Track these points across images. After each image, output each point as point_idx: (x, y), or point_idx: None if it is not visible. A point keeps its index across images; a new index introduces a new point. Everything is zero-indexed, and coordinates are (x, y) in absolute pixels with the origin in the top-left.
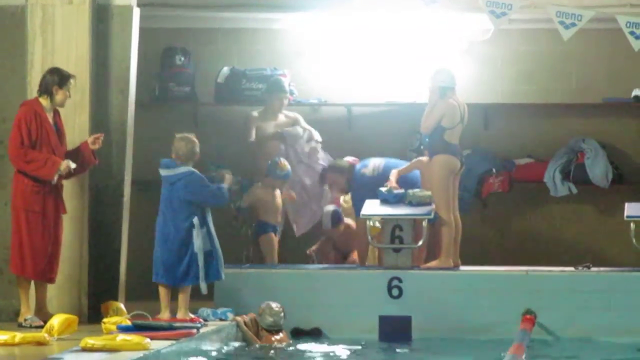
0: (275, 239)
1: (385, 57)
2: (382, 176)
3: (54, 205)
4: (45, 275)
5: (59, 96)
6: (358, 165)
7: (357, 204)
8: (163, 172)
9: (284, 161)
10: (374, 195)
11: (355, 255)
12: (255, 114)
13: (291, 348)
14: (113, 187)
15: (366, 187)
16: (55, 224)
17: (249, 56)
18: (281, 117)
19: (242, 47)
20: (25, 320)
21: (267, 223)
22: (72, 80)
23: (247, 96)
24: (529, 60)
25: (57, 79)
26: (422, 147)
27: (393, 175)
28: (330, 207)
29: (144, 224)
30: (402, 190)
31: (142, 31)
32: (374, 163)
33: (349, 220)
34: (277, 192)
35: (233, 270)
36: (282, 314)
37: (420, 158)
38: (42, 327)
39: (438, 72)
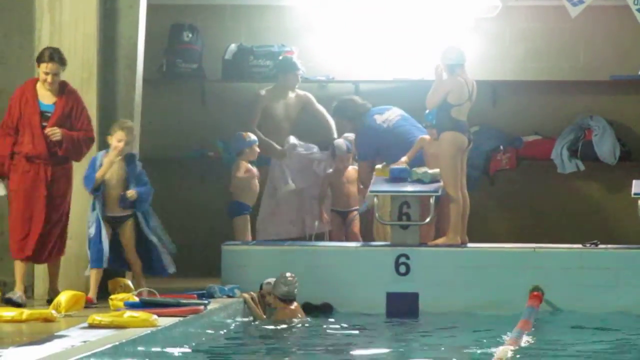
0: (248, 220)
1: (393, 33)
2: (388, 130)
3: (32, 185)
4: (24, 253)
5: (40, 73)
6: (374, 109)
7: (360, 148)
8: None
9: (245, 133)
10: (376, 143)
11: (356, 224)
12: (263, 92)
13: (299, 325)
14: None
15: (370, 133)
16: (32, 204)
17: (257, 33)
18: (291, 96)
19: (250, 24)
20: (4, 294)
21: (243, 204)
22: (48, 60)
23: (255, 73)
24: (537, 37)
25: (38, 55)
26: (425, 125)
27: (404, 159)
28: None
29: (153, 201)
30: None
31: (150, 7)
32: (389, 115)
33: (351, 185)
34: (253, 172)
35: (240, 247)
36: (296, 284)
37: (423, 136)
38: (19, 305)
39: (447, 50)
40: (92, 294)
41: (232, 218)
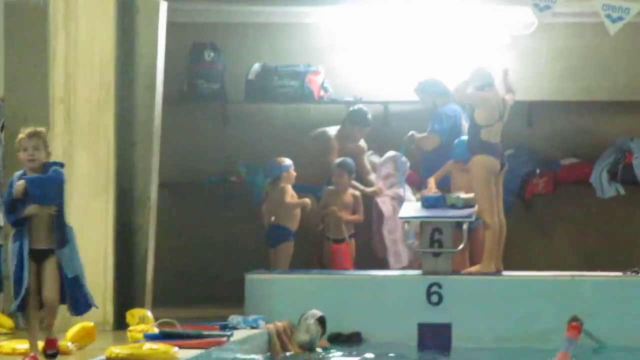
0: (292, 248)
1: (424, 51)
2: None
3: None
4: None
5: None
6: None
7: (438, 122)
8: None
9: (279, 158)
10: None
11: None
12: (333, 134)
13: (324, 355)
14: (139, 188)
15: (450, 114)
16: None
17: (281, 52)
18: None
19: (274, 43)
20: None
21: (288, 229)
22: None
23: (279, 93)
24: (574, 55)
25: None
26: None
27: (431, 182)
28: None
29: (172, 227)
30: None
31: (170, 25)
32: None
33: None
34: (291, 194)
35: (264, 276)
36: (319, 332)
37: (453, 161)
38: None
39: (475, 72)
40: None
41: (276, 245)
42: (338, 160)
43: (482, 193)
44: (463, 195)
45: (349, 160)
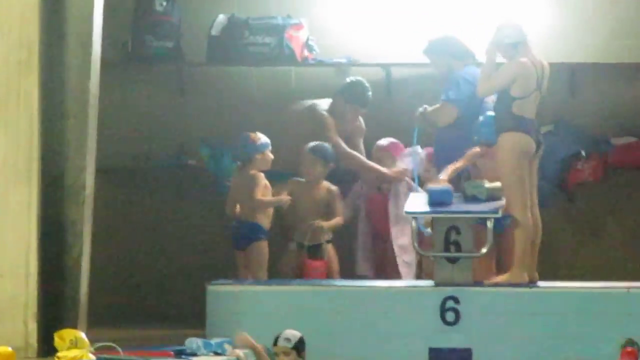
0: (266, 249)
1: (435, 3)
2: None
3: None
4: None
5: None
6: None
7: (453, 88)
8: None
9: (254, 134)
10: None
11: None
12: (325, 108)
13: None
14: (71, 175)
15: (469, 79)
16: None
17: (253, 1)
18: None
19: None
20: None
21: (261, 227)
22: None
23: (251, 53)
24: (629, 6)
25: None
26: (476, 139)
27: (446, 173)
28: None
29: (112, 225)
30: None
31: None
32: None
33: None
34: (265, 184)
35: (232, 287)
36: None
37: (476, 149)
38: None
39: (502, 27)
40: None
41: (244, 246)
42: (311, 145)
43: (513, 181)
44: (487, 184)
45: (325, 145)
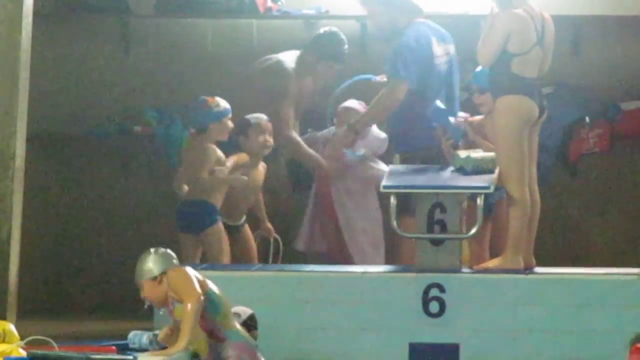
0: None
1: None
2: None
3: None
4: None
5: None
6: None
7: (400, 59)
8: None
9: (211, 98)
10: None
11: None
12: (291, 66)
13: None
14: None
15: (422, 44)
16: None
17: None
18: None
19: None
20: None
21: (215, 207)
22: None
23: (207, 3)
24: None
25: None
26: (473, 90)
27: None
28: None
29: (46, 202)
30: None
31: None
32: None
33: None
34: (218, 158)
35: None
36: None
37: (468, 119)
38: None
39: None
40: None
41: (200, 230)
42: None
43: (509, 151)
44: (474, 153)
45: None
